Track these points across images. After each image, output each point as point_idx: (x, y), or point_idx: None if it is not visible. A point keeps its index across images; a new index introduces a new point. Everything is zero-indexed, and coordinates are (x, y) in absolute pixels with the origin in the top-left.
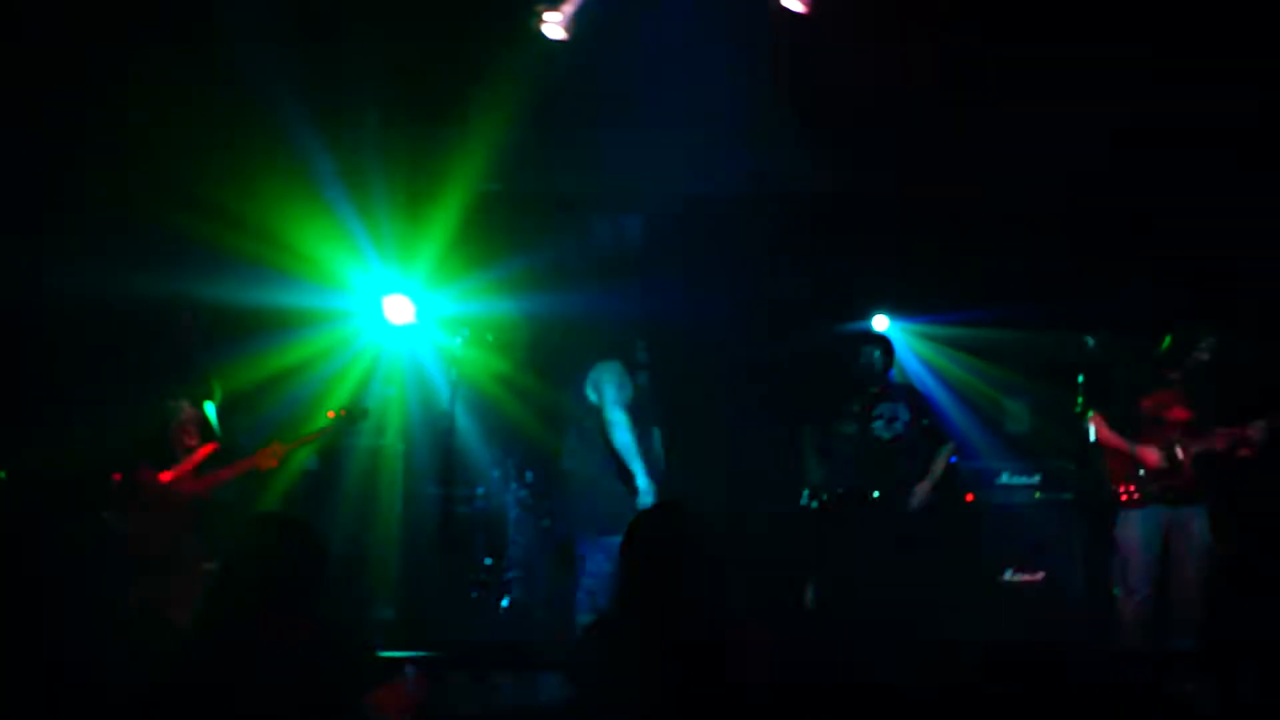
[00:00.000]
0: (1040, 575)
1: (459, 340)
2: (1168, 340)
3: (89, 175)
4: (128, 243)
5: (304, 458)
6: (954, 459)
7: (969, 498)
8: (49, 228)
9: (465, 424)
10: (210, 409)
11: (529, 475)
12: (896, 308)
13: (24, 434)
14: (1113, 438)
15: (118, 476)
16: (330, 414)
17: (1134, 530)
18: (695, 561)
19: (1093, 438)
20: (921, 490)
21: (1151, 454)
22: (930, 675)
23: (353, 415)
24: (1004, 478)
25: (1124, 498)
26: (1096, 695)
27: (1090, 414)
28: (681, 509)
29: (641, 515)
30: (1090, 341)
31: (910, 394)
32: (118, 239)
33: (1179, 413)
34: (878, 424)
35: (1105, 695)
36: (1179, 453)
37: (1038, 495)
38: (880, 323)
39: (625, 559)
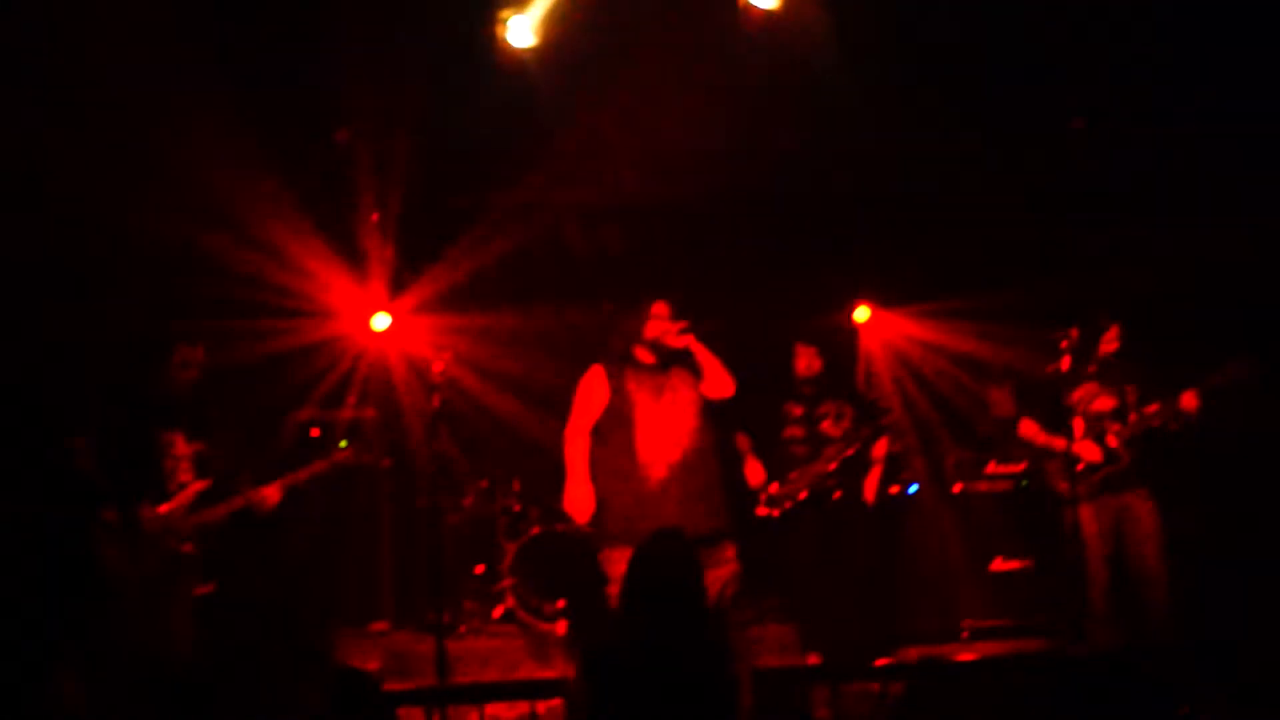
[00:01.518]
0: (1029, 562)
1: (445, 359)
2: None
3: (79, 201)
4: (117, 275)
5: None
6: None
7: (956, 488)
8: (42, 256)
9: (451, 435)
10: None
11: (517, 484)
12: (878, 297)
13: (15, 468)
14: (1047, 438)
15: (110, 513)
16: (315, 432)
17: (1086, 523)
18: (697, 583)
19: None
20: (871, 482)
21: (1088, 447)
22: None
23: (343, 454)
24: (990, 467)
25: (1069, 494)
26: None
27: (1019, 420)
28: (682, 534)
29: (649, 541)
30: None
31: (848, 389)
32: (109, 270)
33: (1104, 402)
34: (824, 423)
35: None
36: (1111, 440)
37: (1024, 484)
38: (861, 313)
39: (632, 582)
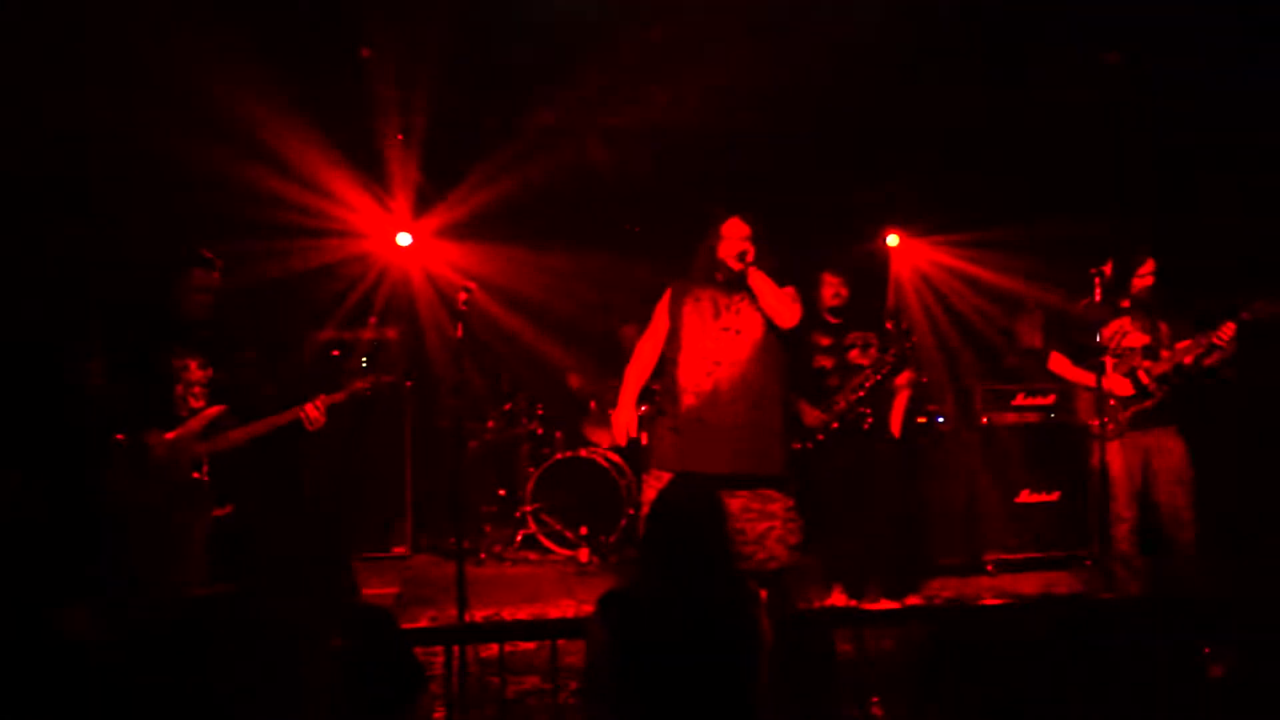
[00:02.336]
0: (1056, 495)
1: (467, 295)
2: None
3: (95, 119)
4: (133, 200)
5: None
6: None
7: (983, 420)
8: (54, 177)
9: (473, 358)
10: (220, 368)
11: (540, 408)
12: (908, 225)
13: (29, 390)
14: (1077, 373)
15: (120, 437)
16: (335, 353)
17: (1114, 460)
18: (719, 527)
19: (1059, 375)
20: (897, 412)
21: (1119, 383)
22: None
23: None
24: (1018, 399)
25: (1098, 430)
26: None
27: (1049, 353)
28: (702, 479)
29: (667, 487)
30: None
31: (875, 318)
32: (127, 191)
33: (1136, 338)
34: (852, 353)
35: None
36: (1143, 377)
37: (1052, 415)
38: (892, 240)
39: (651, 528)
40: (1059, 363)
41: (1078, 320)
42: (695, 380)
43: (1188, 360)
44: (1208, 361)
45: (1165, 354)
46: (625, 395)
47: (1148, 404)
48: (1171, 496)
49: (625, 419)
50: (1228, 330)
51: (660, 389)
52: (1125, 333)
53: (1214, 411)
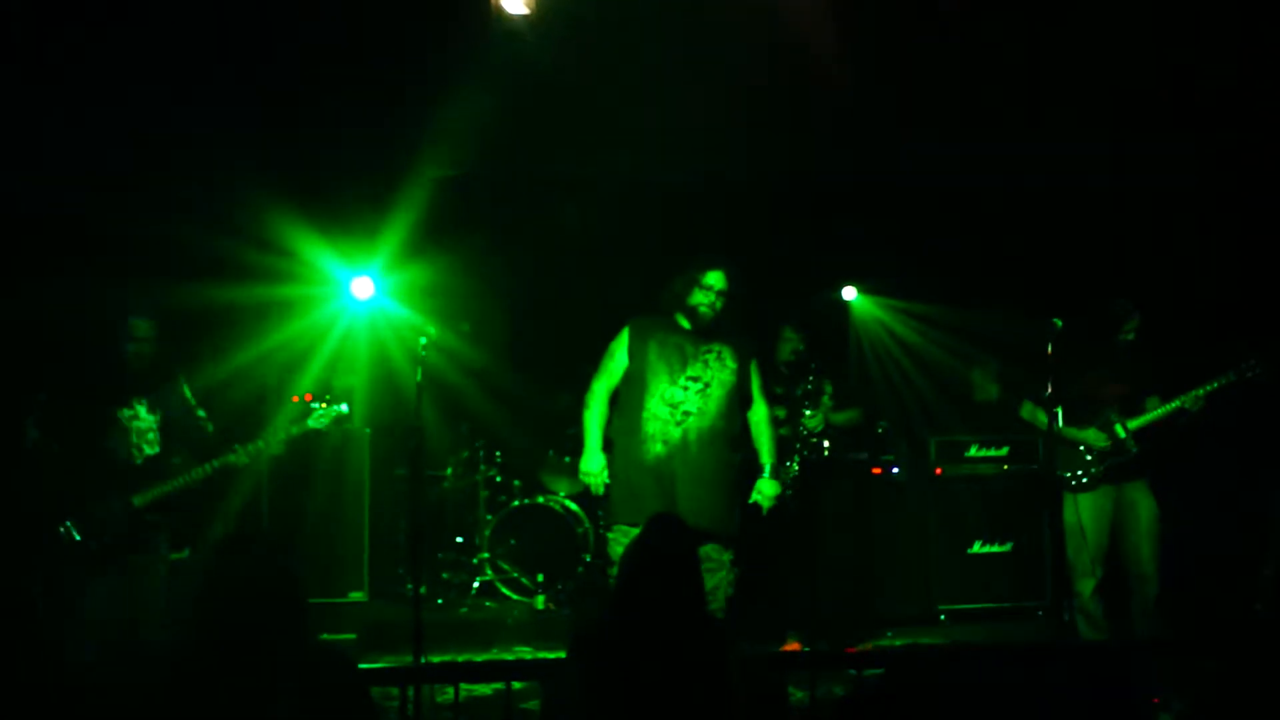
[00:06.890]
0: (1009, 547)
1: (424, 341)
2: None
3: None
4: (74, 246)
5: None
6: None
7: (937, 471)
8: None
9: (433, 405)
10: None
11: (499, 455)
12: (864, 279)
13: None
14: (1050, 421)
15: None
16: (295, 399)
17: (1084, 513)
18: (693, 571)
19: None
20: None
21: (1094, 435)
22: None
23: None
24: (972, 450)
25: (1072, 483)
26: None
27: (1027, 403)
28: (681, 521)
29: (647, 528)
30: (1058, 323)
31: (826, 368)
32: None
33: (1114, 389)
34: (807, 404)
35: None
36: (1119, 430)
37: (1006, 467)
38: (848, 293)
39: (629, 567)
40: (1032, 411)
41: (1033, 372)
42: (664, 429)
43: (1159, 419)
44: (1174, 422)
45: (1140, 410)
46: (591, 443)
47: (1122, 458)
48: (1138, 550)
49: (597, 467)
50: (1195, 399)
51: (620, 431)
52: (1104, 383)
53: (1179, 465)
